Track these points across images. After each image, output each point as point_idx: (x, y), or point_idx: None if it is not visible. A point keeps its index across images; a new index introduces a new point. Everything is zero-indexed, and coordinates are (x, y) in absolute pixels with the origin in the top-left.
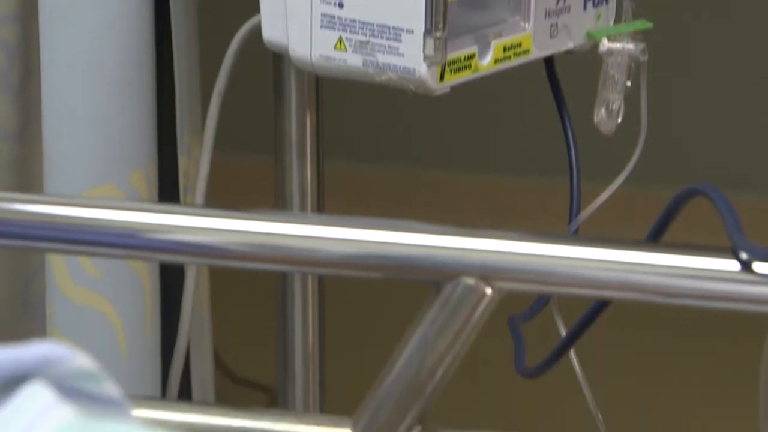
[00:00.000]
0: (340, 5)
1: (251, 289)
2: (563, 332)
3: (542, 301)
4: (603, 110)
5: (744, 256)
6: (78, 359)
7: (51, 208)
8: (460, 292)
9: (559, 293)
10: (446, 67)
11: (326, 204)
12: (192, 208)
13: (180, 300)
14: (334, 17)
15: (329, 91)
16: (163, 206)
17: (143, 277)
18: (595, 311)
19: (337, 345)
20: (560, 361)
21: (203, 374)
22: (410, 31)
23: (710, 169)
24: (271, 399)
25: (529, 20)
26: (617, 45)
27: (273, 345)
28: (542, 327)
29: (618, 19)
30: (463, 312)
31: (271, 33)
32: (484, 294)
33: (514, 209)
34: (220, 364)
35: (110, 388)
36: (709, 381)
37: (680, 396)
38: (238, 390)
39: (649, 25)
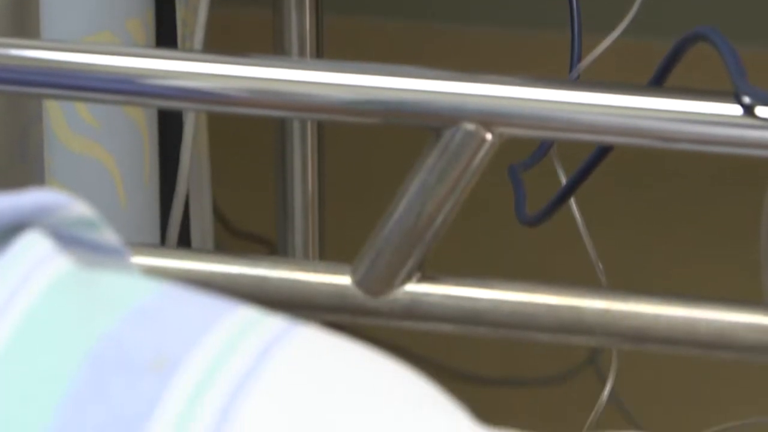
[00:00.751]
0: None
1: (250, 140)
2: (563, 180)
3: (543, 149)
4: None
5: (746, 100)
6: (76, 206)
7: (48, 54)
8: (459, 138)
9: (559, 138)
10: None
11: (325, 57)
12: (190, 53)
13: (179, 148)
14: None
15: None
16: (161, 51)
17: (141, 125)
18: (596, 158)
19: (336, 194)
20: (561, 209)
21: (202, 224)
22: None
23: (711, 19)
24: (271, 251)
25: None
26: None
27: (272, 196)
28: (543, 177)
29: None
30: (463, 158)
31: None
32: (484, 140)
33: (515, 62)
34: (219, 215)
35: (109, 236)
36: (710, 231)
37: (681, 246)
38: (237, 243)
39: None
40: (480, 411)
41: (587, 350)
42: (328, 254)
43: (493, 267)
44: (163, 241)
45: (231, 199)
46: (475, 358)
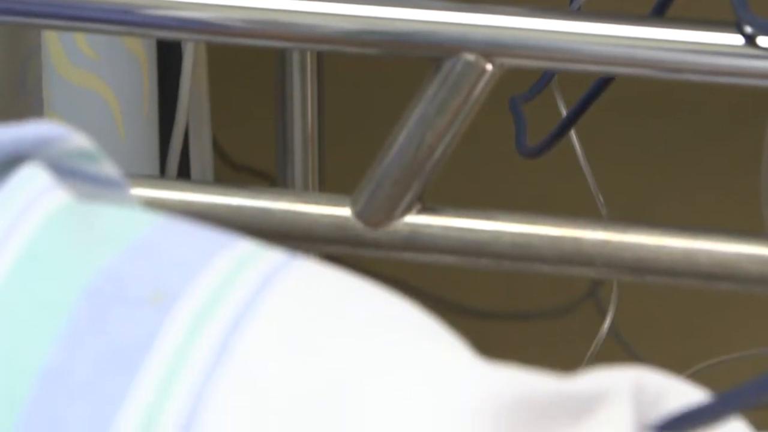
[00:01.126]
0: None
1: (249, 74)
2: (564, 112)
3: (544, 80)
4: None
5: (748, 30)
6: (75, 139)
7: None
8: (460, 69)
9: (560, 69)
10: None
11: None
12: None
13: (178, 81)
14: None
15: None
16: None
17: (140, 57)
18: (596, 89)
19: (336, 126)
20: (561, 141)
21: (202, 157)
22: None
23: None
24: (271, 185)
25: None
26: None
27: (272, 130)
28: (544, 109)
29: None
30: (463, 89)
31: None
32: (484, 70)
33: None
34: (218, 149)
35: (108, 168)
36: (711, 165)
37: (682, 180)
38: (237, 176)
39: None
40: (480, 344)
41: (587, 284)
42: (327, 188)
43: (494, 199)
44: (162, 174)
45: (231, 133)
46: (475, 291)
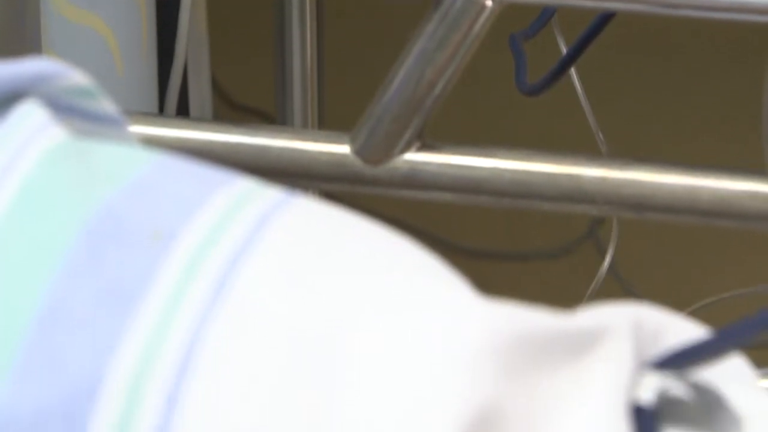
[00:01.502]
0: None
1: (249, 11)
2: (564, 50)
3: (544, 17)
4: None
5: None
6: (73, 76)
7: None
8: (460, 5)
9: (560, 3)
10: None
11: None
12: None
13: (177, 18)
14: None
15: None
16: None
17: None
18: (596, 26)
19: (335, 65)
20: (561, 79)
21: (201, 96)
22: None
23: None
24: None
25: None
26: None
27: (272, 69)
28: (544, 48)
29: None
30: (463, 25)
31: None
32: (484, 6)
33: None
34: (218, 89)
35: (106, 105)
36: (712, 104)
37: (683, 119)
38: (236, 116)
39: None
40: (479, 285)
41: (586, 224)
42: (327, 128)
43: (493, 137)
44: (161, 112)
45: (230, 72)
46: (474, 232)
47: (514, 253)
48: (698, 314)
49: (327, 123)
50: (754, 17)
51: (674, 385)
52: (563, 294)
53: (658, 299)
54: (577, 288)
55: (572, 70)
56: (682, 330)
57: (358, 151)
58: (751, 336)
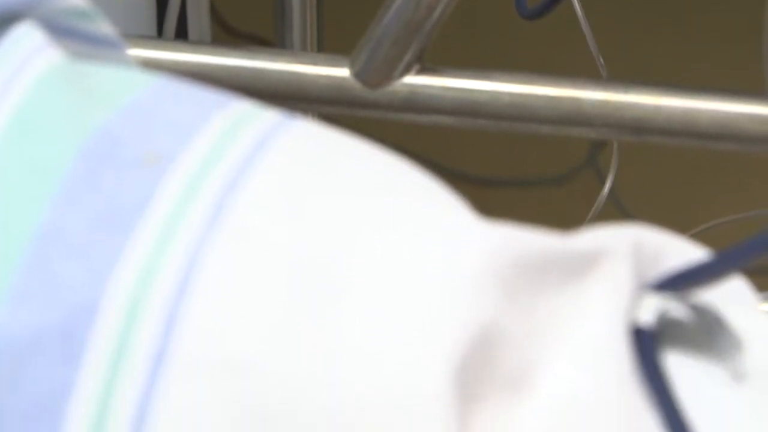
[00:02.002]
0: None
1: None
2: None
3: None
4: None
5: None
6: None
7: None
8: None
9: None
10: None
11: None
12: None
13: None
14: None
15: None
16: None
17: None
18: None
19: None
20: (562, 3)
21: (199, 22)
22: None
23: None
24: None
25: None
26: None
27: None
28: None
29: None
30: None
31: None
32: None
33: None
34: (216, 15)
35: (104, 27)
36: (714, 30)
37: (684, 44)
38: (235, 43)
39: None
40: (480, 210)
41: (586, 150)
42: (326, 50)
43: (493, 61)
44: (159, 36)
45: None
46: (474, 158)
47: (514, 179)
48: (697, 239)
49: (326, 50)
50: None
51: (674, 307)
52: (563, 220)
53: (657, 225)
54: (577, 214)
55: None
56: (683, 251)
57: (357, 74)
58: (751, 257)
